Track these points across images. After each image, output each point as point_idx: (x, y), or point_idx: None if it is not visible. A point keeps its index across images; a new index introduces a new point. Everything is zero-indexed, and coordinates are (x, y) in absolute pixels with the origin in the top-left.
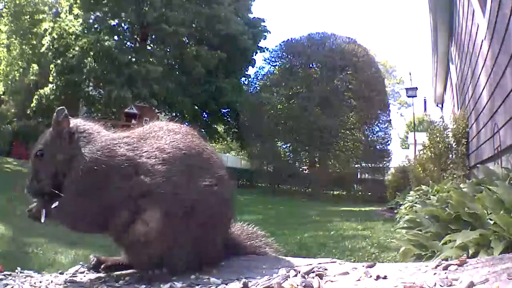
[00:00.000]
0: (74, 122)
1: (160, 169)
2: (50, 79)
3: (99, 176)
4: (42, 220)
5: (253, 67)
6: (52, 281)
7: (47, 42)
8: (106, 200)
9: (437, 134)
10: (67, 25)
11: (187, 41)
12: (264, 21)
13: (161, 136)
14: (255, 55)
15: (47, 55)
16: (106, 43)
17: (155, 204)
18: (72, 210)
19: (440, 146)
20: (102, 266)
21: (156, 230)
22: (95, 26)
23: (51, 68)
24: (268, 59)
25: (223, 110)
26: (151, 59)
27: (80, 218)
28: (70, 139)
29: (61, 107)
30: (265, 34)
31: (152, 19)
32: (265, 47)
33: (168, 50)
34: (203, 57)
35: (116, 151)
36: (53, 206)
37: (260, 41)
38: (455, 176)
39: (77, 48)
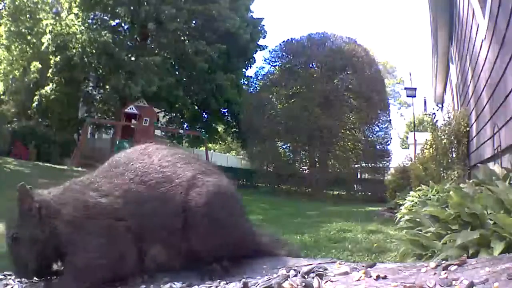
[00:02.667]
0: (35, 195)
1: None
2: (50, 74)
3: (96, 232)
4: None
5: (251, 66)
6: (51, 280)
7: (47, 40)
8: (112, 251)
9: (444, 131)
10: (67, 24)
11: (186, 39)
12: (262, 20)
13: (122, 173)
14: (255, 53)
15: (48, 52)
16: (101, 39)
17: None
18: (92, 274)
19: (444, 142)
20: None
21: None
22: (95, 26)
23: (51, 65)
24: (268, 59)
25: (223, 110)
26: (150, 56)
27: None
28: (40, 214)
29: (21, 183)
30: (264, 33)
31: (146, 15)
32: (265, 45)
33: (169, 49)
34: (203, 51)
35: (92, 202)
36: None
37: (259, 39)
38: (455, 176)
39: (77, 46)
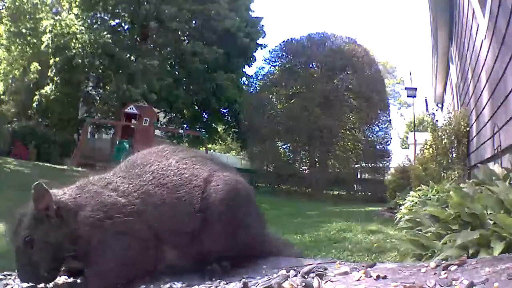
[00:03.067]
0: (53, 195)
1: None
2: (49, 74)
3: (118, 233)
4: None
5: (252, 64)
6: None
7: (47, 40)
8: (131, 252)
9: (444, 131)
10: (67, 24)
11: (186, 39)
12: (261, 19)
13: (140, 174)
14: (255, 52)
15: (48, 52)
16: (102, 40)
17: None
18: (112, 274)
19: (444, 142)
20: None
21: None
22: (95, 26)
23: (50, 64)
24: (268, 59)
25: (223, 110)
26: (150, 57)
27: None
28: (58, 217)
29: (38, 182)
30: (263, 33)
31: (146, 14)
32: (264, 44)
33: (169, 49)
34: (200, 53)
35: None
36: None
37: (258, 38)
38: (455, 176)
39: (77, 46)
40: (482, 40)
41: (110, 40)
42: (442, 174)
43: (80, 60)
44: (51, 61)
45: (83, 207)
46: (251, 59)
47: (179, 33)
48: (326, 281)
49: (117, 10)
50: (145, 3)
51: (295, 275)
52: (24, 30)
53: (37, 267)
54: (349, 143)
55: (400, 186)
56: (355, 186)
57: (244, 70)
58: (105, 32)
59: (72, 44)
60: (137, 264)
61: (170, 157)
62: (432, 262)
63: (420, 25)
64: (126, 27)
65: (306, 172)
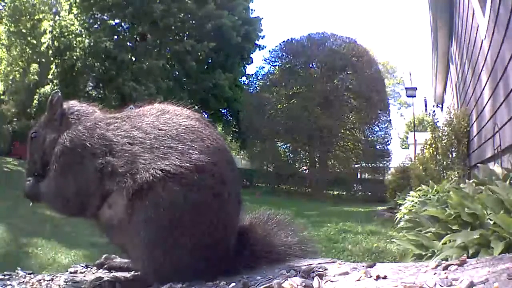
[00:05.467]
0: (68, 104)
1: (128, 149)
2: (50, 76)
3: (75, 157)
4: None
5: (249, 65)
6: (52, 281)
7: (47, 40)
8: (81, 181)
9: (444, 131)
10: (67, 24)
11: (185, 38)
12: (260, 19)
13: (147, 115)
14: (253, 53)
15: (48, 54)
16: (103, 45)
17: (119, 186)
18: (52, 190)
19: (444, 142)
20: (105, 266)
21: (120, 215)
22: (95, 26)
23: (51, 67)
24: (268, 59)
25: (223, 110)
26: (151, 58)
27: (60, 199)
28: (61, 120)
29: (56, 90)
30: (261, 31)
31: (136, 12)
32: (263, 45)
33: (168, 50)
34: (192, 50)
35: (95, 131)
36: (40, 186)
37: (258, 39)
38: (455, 176)
39: (78, 50)
40: (482, 40)
41: (110, 43)
42: (442, 174)
43: (82, 65)
44: (52, 64)
45: (78, 124)
46: (248, 60)
47: (176, 32)
48: (326, 281)
49: (114, 11)
50: (136, 3)
51: (295, 275)
52: (24, 30)
53: (33, 161)
54: (349, 143)
55: (400, 186)
56: (355, 186)
57: (242, 69)
58: (105, 34)
59: (72, 47)
60: (80, 195)
61: (154, 119)
62: (432, 262)
63: (420, 25)
64: (126, 26)
65: (306, 172)
